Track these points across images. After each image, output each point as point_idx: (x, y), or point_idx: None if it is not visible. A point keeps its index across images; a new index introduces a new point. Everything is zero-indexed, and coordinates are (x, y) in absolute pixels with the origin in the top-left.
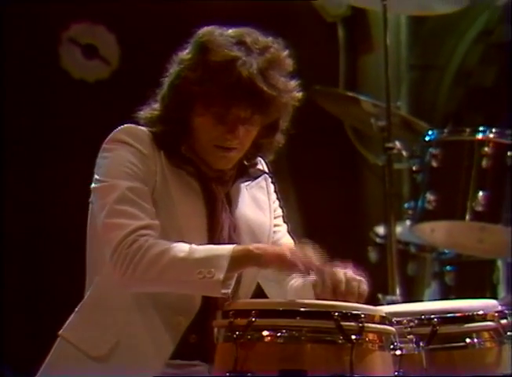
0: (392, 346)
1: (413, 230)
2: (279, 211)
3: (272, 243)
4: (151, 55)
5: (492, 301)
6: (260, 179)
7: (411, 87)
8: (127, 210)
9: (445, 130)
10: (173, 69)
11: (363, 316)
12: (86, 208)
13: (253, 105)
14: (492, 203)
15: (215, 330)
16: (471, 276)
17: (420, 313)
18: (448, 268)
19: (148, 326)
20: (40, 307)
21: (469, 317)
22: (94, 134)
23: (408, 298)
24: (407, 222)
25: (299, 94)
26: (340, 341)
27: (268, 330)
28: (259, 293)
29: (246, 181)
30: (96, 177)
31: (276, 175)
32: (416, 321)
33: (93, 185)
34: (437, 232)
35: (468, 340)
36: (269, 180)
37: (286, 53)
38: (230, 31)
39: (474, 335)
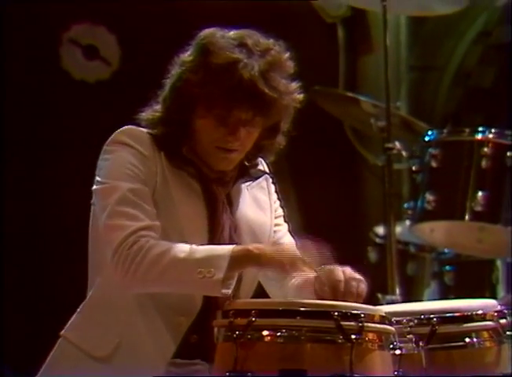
0: (391, 346)
1: (412, 230)
2: (280, 211)
3: (273, 243)
4: (152, 56)
5: (491, 301)
6: (261, 179)
7: (410, 88)
8: (128, 212)
9: (445, 131)
10: (175, 71)
11: (362, 315)
12: (87, 208)
13: (254, 107)
14: (492, 203)
15: (215, 329)
16: (470, 276)
17: (419, 313)
18: (447, 268)
19: (149, 326)
20: (40, 307)
21: (468, 317)
22: (95, 135)
23: (408, 297)
24: (407, 222)
25: (300, 96)
26: (340, 340)
27: (268, 330)
28: (260, 292)
29: (247, 181)
30: (97, 178)
31: (277, 175)
32: (416, 321)
33: (94, 187)
34: (436, 232)
35: (467, 340)
36: (270, 180)
37: (287, 55)
38: (231, 33)
39: (473, 335)
